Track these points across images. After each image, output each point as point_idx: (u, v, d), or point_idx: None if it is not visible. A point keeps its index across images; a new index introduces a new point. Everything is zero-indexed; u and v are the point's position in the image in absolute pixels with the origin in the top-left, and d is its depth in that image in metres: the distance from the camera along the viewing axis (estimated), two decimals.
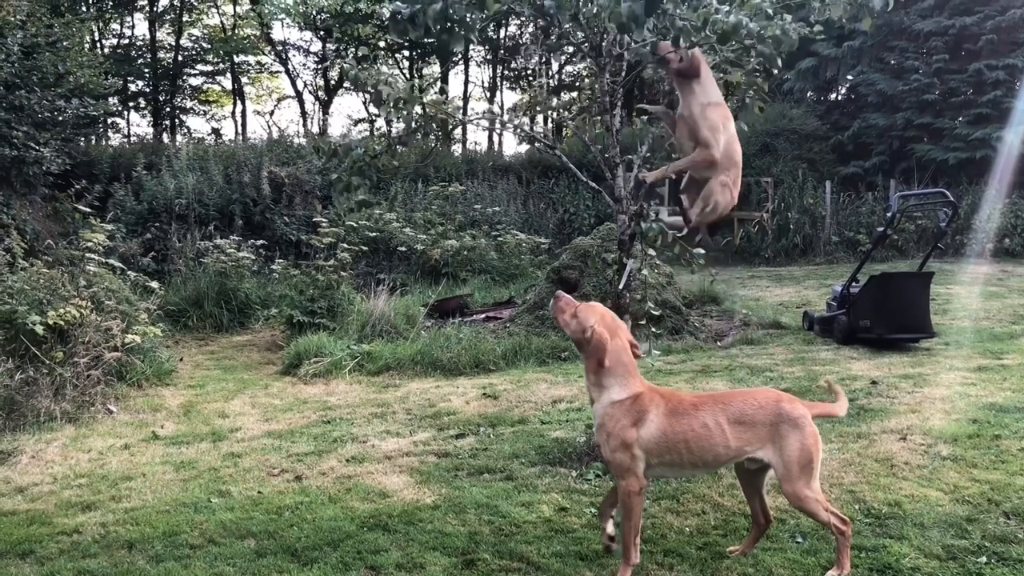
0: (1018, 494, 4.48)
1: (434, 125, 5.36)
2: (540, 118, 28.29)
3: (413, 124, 5.16)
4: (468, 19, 4.40)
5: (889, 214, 9.10)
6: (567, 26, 5.13)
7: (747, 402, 3.68)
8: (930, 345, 8.53)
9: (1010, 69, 18.60)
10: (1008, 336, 8.97)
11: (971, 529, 4.08)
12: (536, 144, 15.59)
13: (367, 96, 4.92)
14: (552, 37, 5.17)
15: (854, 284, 8.99)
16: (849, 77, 22.08)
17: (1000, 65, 18.61)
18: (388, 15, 4.36)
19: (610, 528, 3.81)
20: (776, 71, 5.27)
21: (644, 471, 3.63)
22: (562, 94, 30.69)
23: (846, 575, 3.60)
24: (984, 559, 3.78)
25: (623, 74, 5.30)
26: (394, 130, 5.14)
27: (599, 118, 5.36)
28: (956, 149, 18.77)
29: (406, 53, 28.80)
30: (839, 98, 23.87)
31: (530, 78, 30.77)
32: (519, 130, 6.38)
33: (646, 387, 3.70)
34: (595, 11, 4.79)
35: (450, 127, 5.74)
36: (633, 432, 3.58)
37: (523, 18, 23.07)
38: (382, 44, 27.30)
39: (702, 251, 5.34)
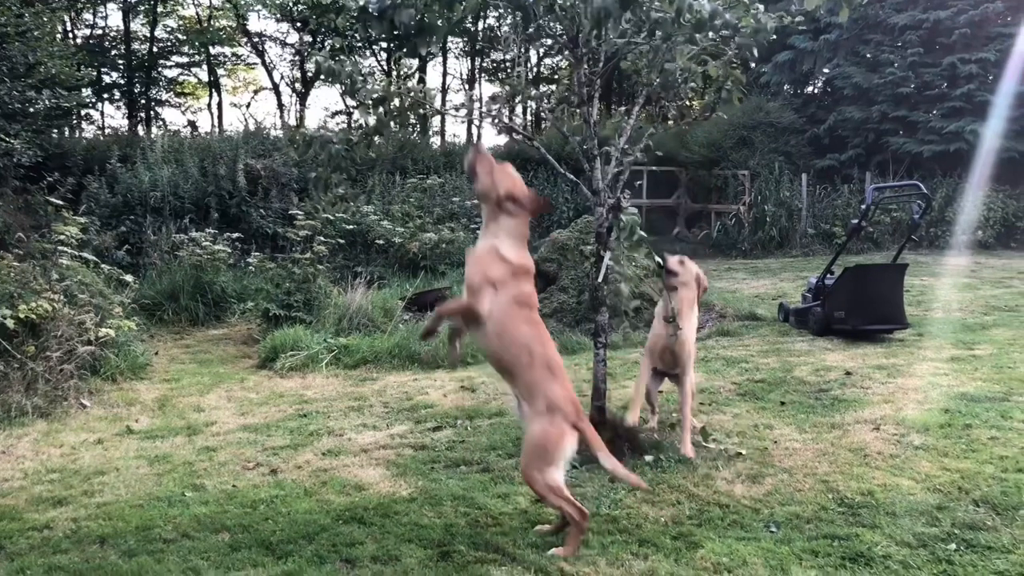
0: (987, 482, 4.55)
1: (411, 116, 5.34)
2: (519, 109, 28.25)
3: (388, 117, 5.12)
4: (439, 23, 4.38)
5: (864, 206, 9.18)
6: (543, 20, 5.12)
7: (553, 361, 3.89)
8: (904, 336, 8.62)
9: (983, 63, 18.81)
10: (980, 327, 9.09)
11: (941, 517, 4.13)
12: (514, 135, 15.58)
13: (344, 87, 4.88)
14: (530, 29, 5.15)
15: (829, 276, 9.07)
16: (825, 70, 22.23)
17: (973, 59, 18.82)
18: (357, 11, 4.34)
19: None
20: (753, 64, 5.30)
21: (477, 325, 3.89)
22: (540, 86, 30.64)
23: (570, 556, 3.77)
24: (953, 546, 3.83)
25: (601, 65, 5.30)
26: (370, 121, 5.07)
27: (577, 110, 5.35)
28: (930, 142, 18.97)
29: (384, 45, 28.63)
30: (815, 91, 24.03)
31: (508, 70, 30.70)
32: (497, 120, 6.35)
33: (525, 271, 3.96)
34: (570, 3, 4.79)
35: (428, 117, 5.72)
36: (495, 276, 3.85)
37: (500, 10, 23.03)
38: (358, 36, 27.10)
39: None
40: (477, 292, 3.89)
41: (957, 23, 19.18)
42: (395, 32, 4.41)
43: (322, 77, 27.33)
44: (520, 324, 3.91)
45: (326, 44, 25.68)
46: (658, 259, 5.32)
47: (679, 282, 5.37)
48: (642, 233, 5.05)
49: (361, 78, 4.98)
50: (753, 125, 20.34)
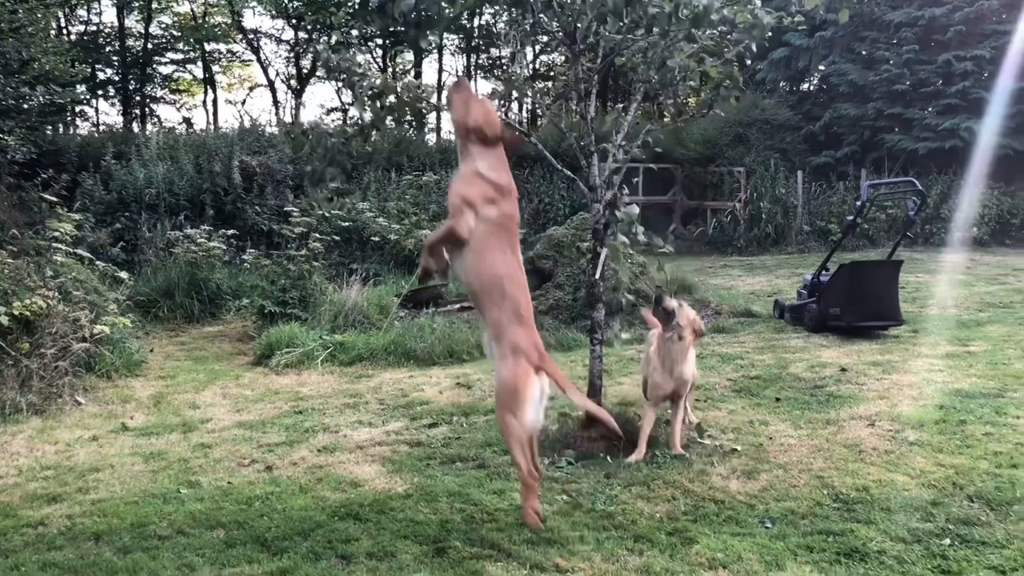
0: (982, 478, 4.56)
1: (407, 112, 5.32)
2: (515, 106, 28.23)
3: (384, 112, 5.11)
4: (438, 15, 4.37)
5: (859, 203, 9.19)
6: (540, 15, 5.11)
7: (522, 305, 3.85)
8: (899, 333, 8.64)
9: (978, 60, 18.85)
10: (975, 324, 9.12)
11: (936, 512, 4.14)
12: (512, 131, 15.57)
13: (340, 82, 4.88)
14: (525, 25, 5.15)
15: (824, 273, 9.08)
16: (821, 67, 22.26)
17: (968, 56, 18.85)
18: (358, 4, 4.33)
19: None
20: (748, 61, 5.30)
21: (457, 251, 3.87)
22: (536, 83, 30.61)
23: (532, 511, 3.90)
24: (948, 541, 3.84)
25: (598, 61, 5.30)
26: (366, 116, 5.07)
27: (575, 106, 5.35)
28: (926, 139, 19.01)
29: (379, 41, 28.58)
30: (811, 88, 24.05)
31: (505, 67, 30.66)
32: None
33: (507, 191, 3.93)
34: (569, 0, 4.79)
35: (424, 113, 5.70)
36: (475, 195, 3.83)
37: (497, 7, 22.99)
38: (355, 32, 27.06)
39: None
40: (457, 213, 3.84)
41: (952, 20, 19.22)
42: (395, 26, 4.39)
43: (320, 70, 27.29)
44: (497, 254, 3.84)
45: (322, 40, 25.60)
46: (655, 300, 5.17)
47: (678, 330, 5.13)
48: (641, 228, 5.02)
49: (360, 70, 4.97)
50: (749, 122, 20.36)
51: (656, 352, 5.24)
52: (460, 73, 29.51)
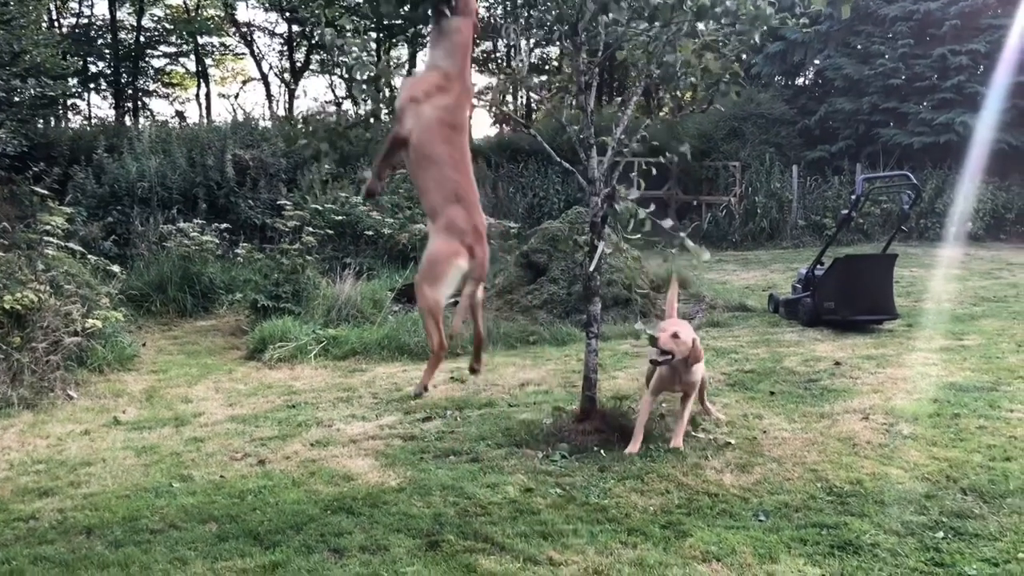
0: (975, 471, 4.56)
1: None
2: (510, 99, 28.18)
3: (384, 101, 5.07)
4: None
5: (854, 197, 9.19)
6: (542, 7, 5.08)
7: (463, 188, 3.75)
8: (893, 327, 8.65)
9: (973, 54, 18.85)
10: (969, 317, 9.13)
11: (929, 505, 4.14)
12: (507, 125, 15.55)
13: (341, 68, 4.86)
14: (521, 19, 5.12)
15: (819, 267, 9.08)
16: (816, 61, 22.25)
17: (963, 50, 18.85)
18: None
19: None
20: (744, 55, 5.28)
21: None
22: (533, 77, 30.54)
23: (429, 384, 4.11)
24: (941, 534, 3.84)
25: (600, 54, 5.27)
26: (363, 110, 5.05)
27: (574, 99, 5.32)
28: (921, 133, 19.01)
29: (373, 35, 28.47)
30: (806, 82, 24.06)
31: (500, 60, 30.60)
32: (495, 109, 6.33)
33: (460, 85, 3.77)
34: None
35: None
36: (420, 90, 3.72)
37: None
38: (349, 26, 26.96)
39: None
40: (398, 116, 3.78)
41: (948, 14, 19.21)
42: (402, 6, 4.32)
43: (312, 67, 27.20)
44: (438, 143, 3.74)
45: (315, 34, 25.46)
46: (649, 334, 5.06)
47: (675, 361, 5.08)
48: (642, 212, 4.92)
49: (364, 55, 4.94)
50: (744, 116, 20.34)
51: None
52: None
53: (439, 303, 3.72)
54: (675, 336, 5.09)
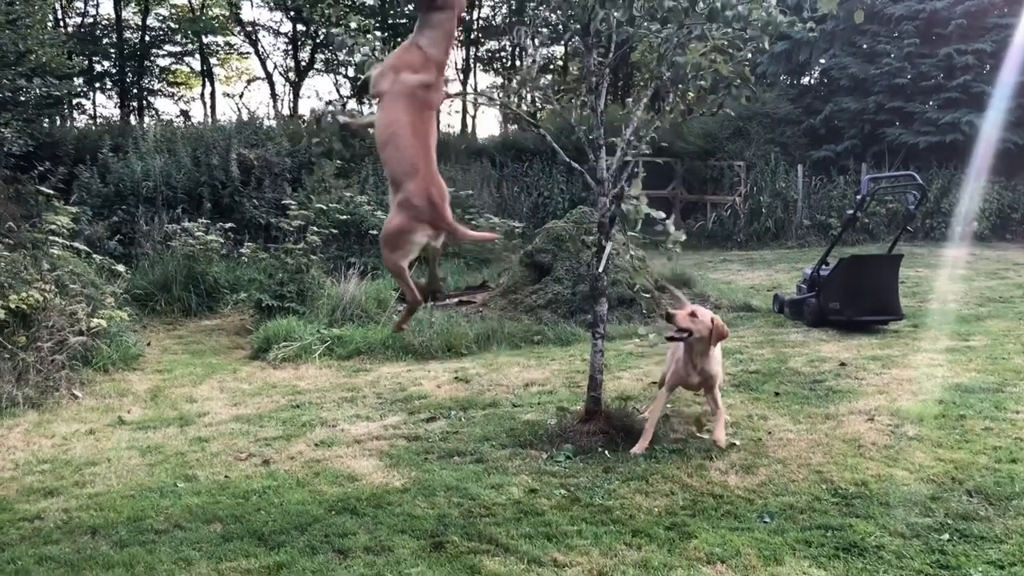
0: (981, 473, 4.54)
1: None
2: (515, 98, 28.15)
3: None
4: None
5: (859, 197, 9.16)
6: (552, 5, 5.07)
7: (420, 157, 3.69)
8: (899, 327, 8.62)
9: (979, 54, 18.78)
10: (975, 318, 9.10)
11: (935, 507, 4.13)
12: (514, 125, 15.49)
13: (342, 68, 4.86)
14: (526, 19, 5.12)
15: (824, 267, 9.06)
16: (821, 61, 22.18)
17: (969, 50, 18.78)
18: None
19: None
20: (750, 55, 5.26)
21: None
22: (542, 78, 30.54)
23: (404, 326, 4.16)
24: (947, 536, 3.83)
25: (611, 55, 5.26)
26: (366, 110, 5.06)
27: (584, 99, 5.31)
28: (926, 133, 18.95)
29: (378, 34, 28.48)
30: (811, 82, 23.97)
31: (504, 60, 30.59)
32: (504, 107, 6.34)
33: (436, 64, 3.72)
34: None
35: None
36: (397, 63, 3.70)
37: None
38: (353, 25, 26.97)
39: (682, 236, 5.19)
40: (375, 81, 3.78)
41: (954, 13, 19.14)
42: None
43: (317, 67, 27.20)
44: (400, 112, 3.71)
45: (320, 33, 25.48)
46: (667, 311, 5.08)
47: (693, 339, 5.10)
48: (647, 209, 4.91)
49: (375, 51, 4.94)
50: (749, 116, 20.28)
51: (684, 345, 5.20)
52: (458, 65, 29.42)
53: (400, 265, 3.75)
54: (692, 315, 5.10)
